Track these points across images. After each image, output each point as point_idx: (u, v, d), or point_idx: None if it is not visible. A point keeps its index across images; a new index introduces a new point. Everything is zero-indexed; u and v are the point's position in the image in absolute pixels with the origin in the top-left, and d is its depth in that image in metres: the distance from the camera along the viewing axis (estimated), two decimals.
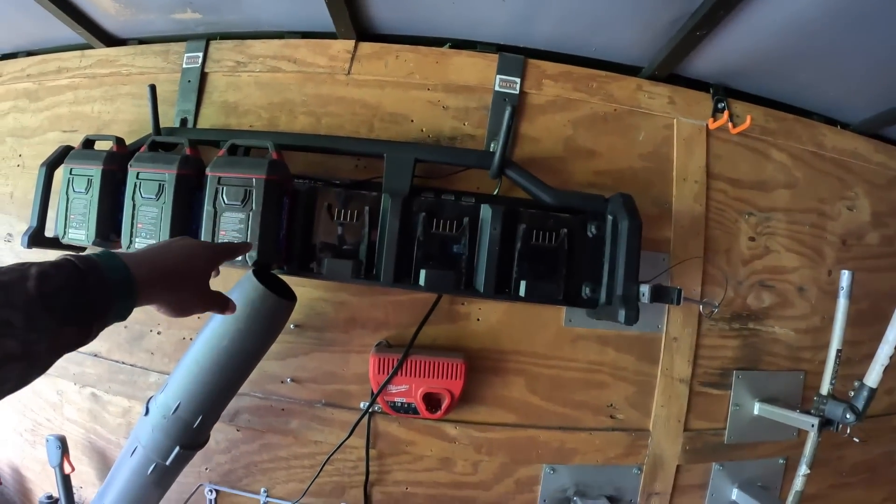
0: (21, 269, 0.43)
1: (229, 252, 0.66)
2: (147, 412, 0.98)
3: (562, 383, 1.04)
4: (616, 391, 1.06)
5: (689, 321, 1.10)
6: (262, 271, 0.89)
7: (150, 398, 0.99)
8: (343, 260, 0.90)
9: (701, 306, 1.05)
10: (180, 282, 0.56)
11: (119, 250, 0.56)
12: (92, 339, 0.47)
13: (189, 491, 1.11)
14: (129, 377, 1.12)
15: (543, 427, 1.04)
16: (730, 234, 1.13)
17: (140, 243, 0.94)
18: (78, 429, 1.18)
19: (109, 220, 0.96)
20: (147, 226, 0.93)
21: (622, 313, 0.91)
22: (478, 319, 1.02)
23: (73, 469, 1.13)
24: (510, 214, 0.92)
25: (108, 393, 1.14)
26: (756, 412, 1.14)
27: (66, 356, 1.05)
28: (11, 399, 1.14)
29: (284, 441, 1.07)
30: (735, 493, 1.16)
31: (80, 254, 0.48)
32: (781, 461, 1.19)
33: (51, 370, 1.06)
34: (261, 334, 0.93)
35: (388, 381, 0.97)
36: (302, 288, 1.01)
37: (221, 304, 0.64)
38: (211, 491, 1.12)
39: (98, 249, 0.53)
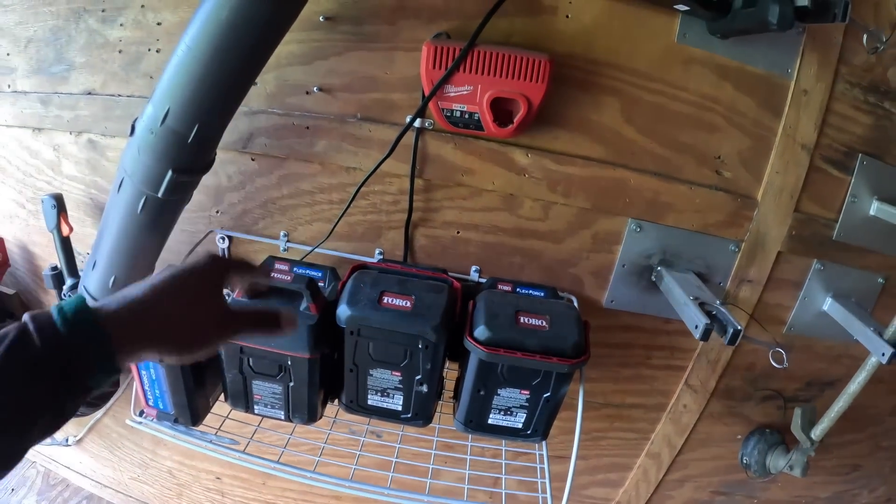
0: None
1: (240, 265, 0.49)
2: (132, 131, 0.74)
3: (665, 116, 0.81)
4: (728, 140, 0.84)
5: (825, 73, 0.85)
6: None
7: (138, 117, 0.75)
8: None
9: (865, 35, 0.80)
10: (170, 316, 0.41)
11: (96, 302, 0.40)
12: (72, 416, 0.38)
13: (197, 239, 0.90)
14: (125, 111, 0.88)
15: (636, 169, 0.82)
16: None
17: None
18: (78, 185, 0.97)
19: None
20: None
21: (774, 10, 0.67)
22: (567, 16, 0.76)
23: (71, 229, 0.94)
24: None
25: (105, 136, 0.91)
26: (872, 212, 0.94)
27: (58, 102, 0.92)
28: (9, 169, 1.03)
29: (309, 170, 0.84)
30: (828, 304, 0.99)
31: (38, 312, 0.37)
32: (881, 280, 1.01)
33: (45, 123, 0.94)
34: None
35: (448, 77, 0.73)
36: None
37: (255, 322, 0.47)
38: (223, 238, 0.91)
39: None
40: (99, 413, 1.23)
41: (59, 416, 0.37)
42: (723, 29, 0.78)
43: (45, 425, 0.37)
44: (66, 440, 1.32)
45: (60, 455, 1.39)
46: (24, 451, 0.36)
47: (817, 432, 0.99)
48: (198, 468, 1.26)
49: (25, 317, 0.36)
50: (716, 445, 1.09)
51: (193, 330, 0.43)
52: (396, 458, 0.80)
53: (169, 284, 0.42)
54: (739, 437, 1.10)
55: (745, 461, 1.09)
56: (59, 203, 0.92)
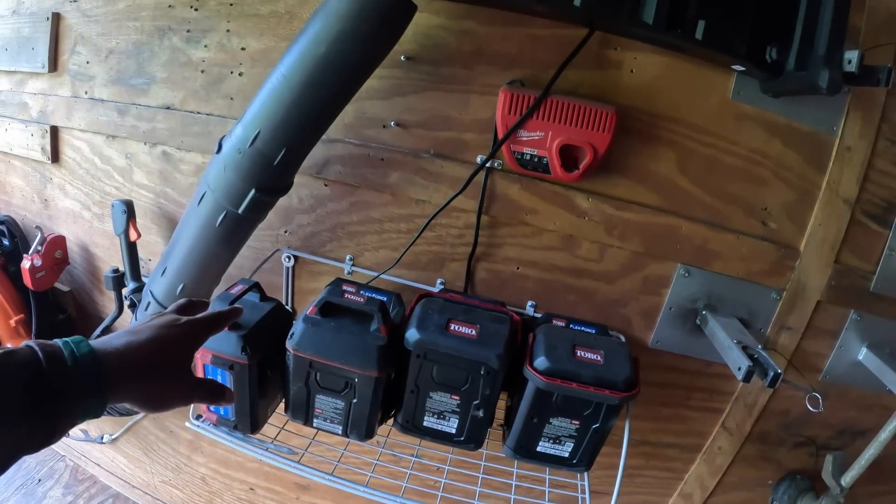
0: None
1: (212, 325, 0.54)
2: (219, 149, 0.79)
3: (717, 168, 0.86)
4: (774, 193, 0.88)
5: (867, 131, 0.90)
6: None
7: (225, 135, 0.80)
8: None
9: None
10: (154, 374, 0.47)
11: (96, 340, 0.46)
12: (58, 439, 0.41)
13: (263, 256, 0.96)
14: (203, 128, 0.94)
15: (687, 217, 0.87)
16: None
17: None
18: (147, 194, 1.02)
19: None
20: None
21: (825, 76, 0.73)
22: (631, 71, 0.83)
23: (138, 235, 0.98)
24: None
25: (180, 149, 0.97)
26: None
27: (135, 113, 0.96)
28: (78, 171, 1.08)
29: (380, 199, 0.90)
30: (863, 353, 1.01)
31: (50, 342, 0.41)
32: None
33: (120, 131, 0.98)
34: (370, 39, 0.73)
35: (522, 122, 0.79)
36: (417, 14, 0.81)
37: (211, 393, 0.53)
38: (289, 258, 0.96)
39: None
40: (138, 415, 1.26)
41: (47, 435, 0.40)
42: (775, 89, 0.83)
43: (27, 440, 0.39)
44: (101, 437, 1.34)
45: (92, 451, 1.41)
46: (9, 460, 0.38)
47: (847, 479, 1.00)
48: (232, 477, 1.29)
49: (33, 343, 0.40)
50: (746, 489, 1.10)
51: (167, 394, 0.49)
52: (445, 478, 0.83)
53: (158, 349, 0.48)
54: (770, 482, 1.10)
55: None
56: (130, 209, 0.96)
